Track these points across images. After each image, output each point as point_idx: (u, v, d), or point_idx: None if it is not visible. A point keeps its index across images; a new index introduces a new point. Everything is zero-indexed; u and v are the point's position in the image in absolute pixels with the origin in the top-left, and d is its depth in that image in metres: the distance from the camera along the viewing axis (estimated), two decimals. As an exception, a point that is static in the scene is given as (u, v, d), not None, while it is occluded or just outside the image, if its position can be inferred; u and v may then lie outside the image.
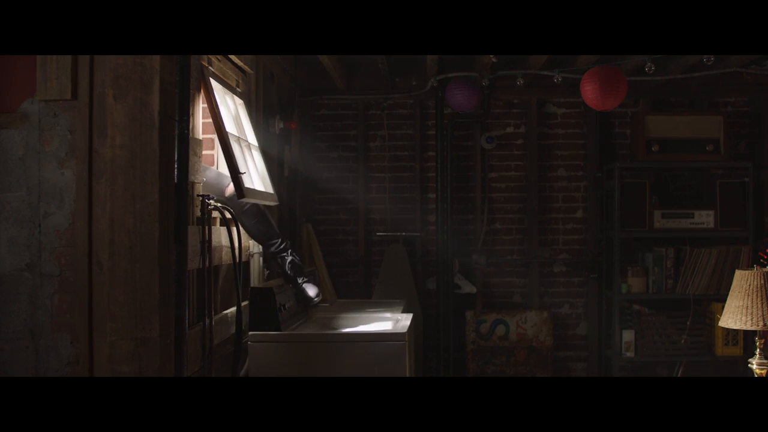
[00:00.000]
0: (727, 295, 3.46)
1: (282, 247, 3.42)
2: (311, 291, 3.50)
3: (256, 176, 3.47)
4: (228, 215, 3.01)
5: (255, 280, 3.52)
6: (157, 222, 2.35)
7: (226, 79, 3.41)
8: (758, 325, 3.27)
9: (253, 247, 3.51)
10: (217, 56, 3.24)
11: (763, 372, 3.34)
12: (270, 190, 3.59)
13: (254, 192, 3.20)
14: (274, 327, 3.09)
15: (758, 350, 3.36)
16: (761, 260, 4.78)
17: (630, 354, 4.91)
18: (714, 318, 4.81)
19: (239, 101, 3.62)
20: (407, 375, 3.09)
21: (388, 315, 3.66)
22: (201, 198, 2.77)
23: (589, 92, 4.19)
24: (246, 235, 3.44)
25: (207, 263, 2.78)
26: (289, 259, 3.44)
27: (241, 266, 3.13)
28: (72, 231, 2.48)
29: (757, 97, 5.29)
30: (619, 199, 4.89)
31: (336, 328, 3.35)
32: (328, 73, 4.81)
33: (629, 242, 5.03)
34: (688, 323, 4.86)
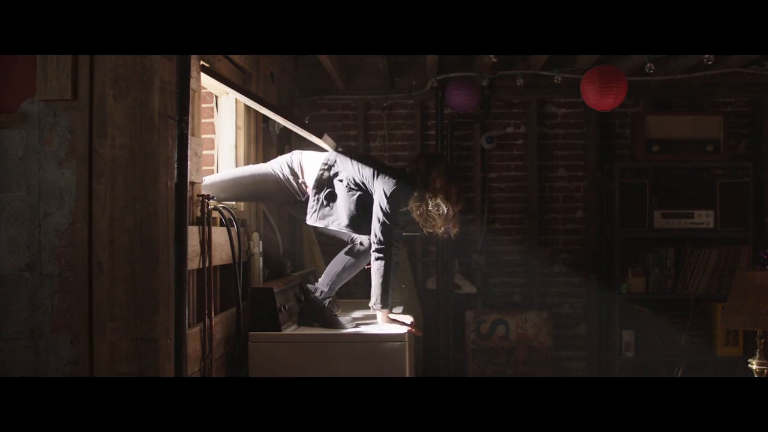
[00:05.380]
0: (727, 295, 3.46)
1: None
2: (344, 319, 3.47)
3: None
4: (228, 215, 3.01)
5: (255, 280, 3.52)
6: (157, 222, 2.35)
7: (226, 79, 3.41)
8: (758, 326, 3.27)
9: (253, 247, 3.51)
10: (217, 56, 3.24)
11: (763, 372, 3.34)
12: None
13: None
14: (274, 327, 3.09)
15: (758, 350, 3.36)
16: (761, 260, 4.78)
17: (630, 354, 4.91)
18: (714, 318, 4.82)
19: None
20: (407, 375, 3.09)
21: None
22: (201, 198, 2.77)
23: (589, 92, 4.19)
24: (245, 234, 3.44)
25: (207, 263, 2.78)
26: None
27: (241, 266, 3.13)
28: (72, 231, 2.48)
29: (757, 97, 5.28)
30: (619, 199, 4.88)
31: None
32: (328, 73, 4.81)
33: (629, 242, 5.03)
34: (688, 323, 4.86)
